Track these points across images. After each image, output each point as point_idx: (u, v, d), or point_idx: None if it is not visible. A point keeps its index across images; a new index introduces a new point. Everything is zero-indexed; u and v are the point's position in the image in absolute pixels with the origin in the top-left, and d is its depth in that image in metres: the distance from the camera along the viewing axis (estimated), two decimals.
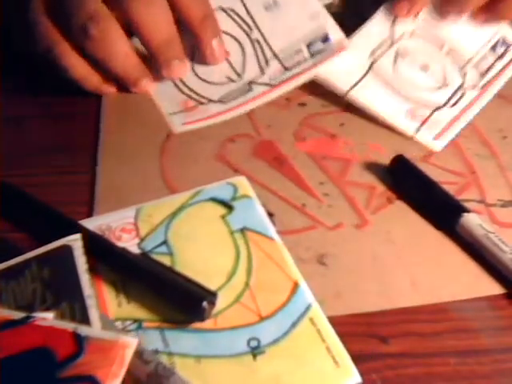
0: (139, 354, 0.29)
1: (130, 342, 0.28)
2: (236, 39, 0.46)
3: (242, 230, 0.36)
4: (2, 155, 0.40)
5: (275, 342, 0.31)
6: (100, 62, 0.43)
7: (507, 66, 0.45)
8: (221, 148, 0.42)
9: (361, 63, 0.45)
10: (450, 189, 0.38)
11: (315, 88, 0.45)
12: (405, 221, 0.37)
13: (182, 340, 0.31)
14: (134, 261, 0.33)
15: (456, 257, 0.35)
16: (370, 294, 0.33)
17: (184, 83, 0.46)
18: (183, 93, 0.45)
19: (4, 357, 0.27)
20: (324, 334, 0.31)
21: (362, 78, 0.44)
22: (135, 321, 0.32)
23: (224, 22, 0.46)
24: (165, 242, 0.35)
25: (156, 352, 0.30)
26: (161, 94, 0.45)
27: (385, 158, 0.41)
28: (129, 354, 0.27)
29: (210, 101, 0.45)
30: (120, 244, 0.35)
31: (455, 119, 0.43)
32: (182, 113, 0.44)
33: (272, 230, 0.36)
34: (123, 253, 0.34)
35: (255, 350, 0.30)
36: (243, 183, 0.38)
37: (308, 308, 0.32)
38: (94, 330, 0.29)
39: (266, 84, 0.44)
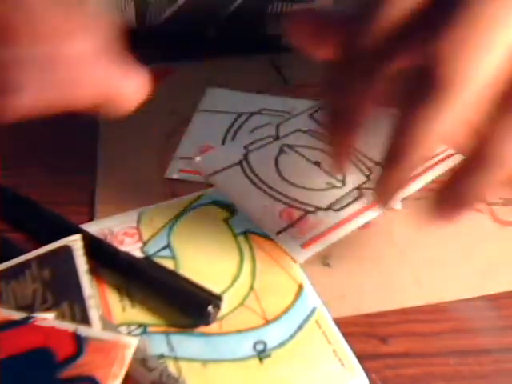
0: (144, 361, 0.28)
1: (130, 343, 0.28)
2: None
3: (245, 233, 0.36)
4: (1, 155, 0.40)
5: (281, 345, 0.30)
6: None
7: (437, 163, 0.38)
8: None
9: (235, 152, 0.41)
10: None
11: None
12: (407, 221, 0.37)
13: (188, 344, 0.31)
14: (138, 265, 0.33)
15: (459, 256, 0.35)
16: (374, 294, 0.33)
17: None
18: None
19: (4, 357, 0.27)
20: (330, 337, 0.31)
21: (229, 167, 0.40)
22: (140, 325, 0.31)
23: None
24: (168, 246, 0.35)
25: (162, 357, 0.30)
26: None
27: None
28: (129, 354, 0.27)
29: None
30: (123, 248, 0.35)
31: (336, 227, 0.36)
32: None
33: None
34: (126, 257, 0.34)
35: (261, 354, 0.30)
36: None
37: (313, 310, 0.32)
38: (94, 330, 0.29)
39: None
